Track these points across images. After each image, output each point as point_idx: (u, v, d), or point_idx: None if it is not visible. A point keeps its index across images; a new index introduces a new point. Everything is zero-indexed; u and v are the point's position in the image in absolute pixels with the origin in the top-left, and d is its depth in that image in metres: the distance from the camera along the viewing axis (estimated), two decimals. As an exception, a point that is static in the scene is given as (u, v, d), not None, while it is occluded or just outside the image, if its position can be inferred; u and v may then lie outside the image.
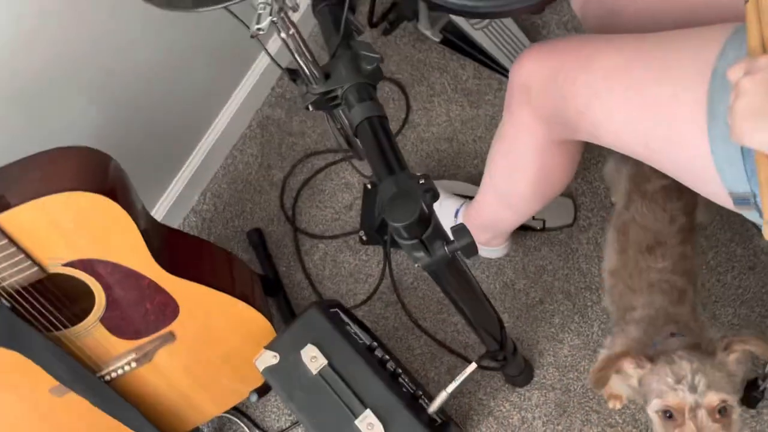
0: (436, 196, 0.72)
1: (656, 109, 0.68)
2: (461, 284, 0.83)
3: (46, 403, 1.02)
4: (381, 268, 1.38)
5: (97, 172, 0.87)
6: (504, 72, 1.45)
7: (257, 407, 1.31)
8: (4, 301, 0.86)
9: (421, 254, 0.70)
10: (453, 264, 0.78)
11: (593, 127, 0.75)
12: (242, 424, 1.30)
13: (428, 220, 0.69)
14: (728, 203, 0.70)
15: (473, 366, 0.99)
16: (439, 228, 0.70)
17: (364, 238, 1.40)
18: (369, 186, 1.44)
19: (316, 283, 1.40)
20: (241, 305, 1.06)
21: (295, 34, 0.74)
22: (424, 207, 0.68)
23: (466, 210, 1.20)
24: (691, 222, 1.02)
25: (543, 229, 1.32)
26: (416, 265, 0.72)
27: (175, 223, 1.48)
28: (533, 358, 1.25)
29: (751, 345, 0.83)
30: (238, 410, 1.31)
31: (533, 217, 1.32)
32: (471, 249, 0.70)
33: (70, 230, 0.85)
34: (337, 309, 1.11)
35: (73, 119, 1.14)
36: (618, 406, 1.17)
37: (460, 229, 0.69)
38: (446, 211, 1.25)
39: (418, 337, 1.32)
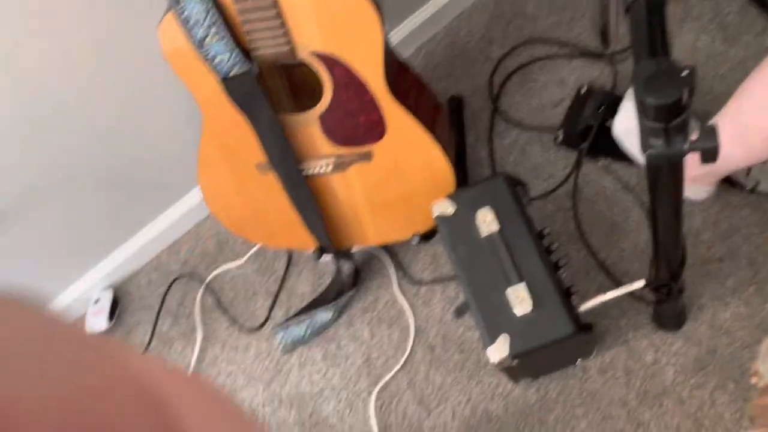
0: (693, 92, 0.69)
1: None
2: (673, 193, 0.81)
3: (247, 175, 1.15)
4: (566, 172, 1.36)
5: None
6: (776, 16, 1.31)
7: (406, 255, 1.39)
8: (254, 67, 0.96)
9: (658, 142, 0.69)
10: (678, 167, 0.76)
11: None
12: (387, 265, 1.39)
13: (682, 110, 0.67)
14: None
15: (641, 282, 0.98)
16: (687, 123, 0.68)
17: (561, 138, 1.38)
18: (584, 90, 1.40)
19: (498, 165, 1.41)
20: (437, 152, 1.10)
21: None
22: (684, 95, 0.66)
23: None
24: None
25: (753, 191, 1.23)
26: (645, 153, 0.71)
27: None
28: (690, 309, 1.21)
29: None
30: (389, 252, 1.40)
31: (747, 175, 1.23)
32: (712, 154, 0.67)
33: (329, 22, 0.92)
34: (520, 189, 1.13)
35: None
36: (760, 384, 1.12)
37: (710, 130, 0.67)
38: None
39: (579, 250, 1.31)
